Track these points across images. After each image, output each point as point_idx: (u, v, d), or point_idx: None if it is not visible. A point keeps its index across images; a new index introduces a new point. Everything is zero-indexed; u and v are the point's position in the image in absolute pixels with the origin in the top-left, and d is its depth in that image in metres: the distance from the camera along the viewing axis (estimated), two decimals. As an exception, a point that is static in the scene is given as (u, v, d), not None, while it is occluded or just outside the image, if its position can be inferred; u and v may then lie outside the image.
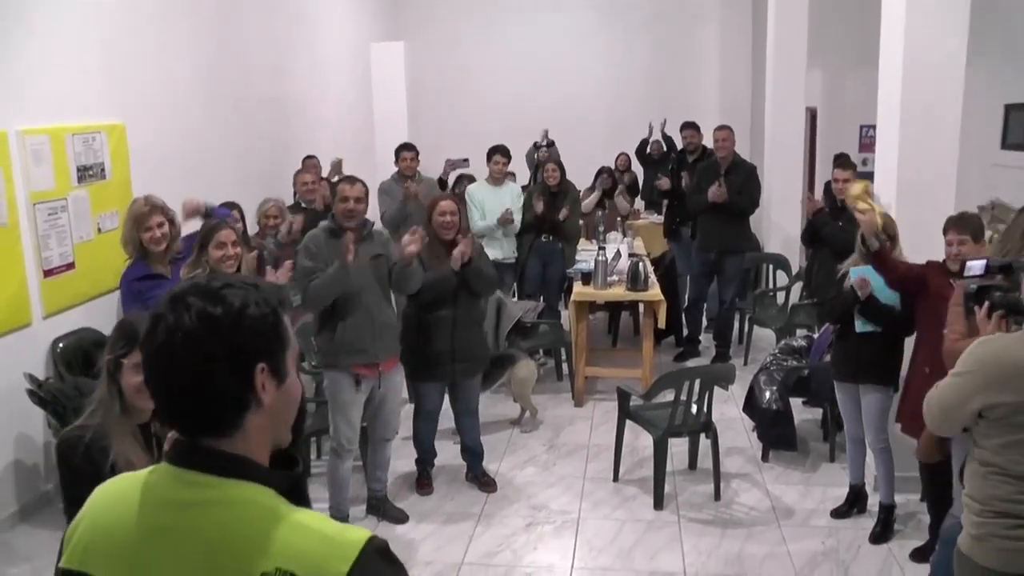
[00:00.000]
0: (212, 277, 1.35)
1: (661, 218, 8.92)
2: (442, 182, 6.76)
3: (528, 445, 5.94)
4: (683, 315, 7.78)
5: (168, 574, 1.27)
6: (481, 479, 5.32)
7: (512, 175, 8.30)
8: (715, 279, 7.60)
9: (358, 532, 1.28)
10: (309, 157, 7.87)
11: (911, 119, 4.81)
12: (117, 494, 1.37)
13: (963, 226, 4.03)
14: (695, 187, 7.48)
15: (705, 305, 7.90)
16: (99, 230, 5.60)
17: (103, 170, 5.67)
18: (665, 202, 8.67)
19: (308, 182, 6.74)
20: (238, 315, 1.28)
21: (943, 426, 2.83)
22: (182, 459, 1.31)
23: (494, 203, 7.23)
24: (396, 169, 7.47)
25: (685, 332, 7.79)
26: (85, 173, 5.48)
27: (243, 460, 1.31)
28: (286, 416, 1.38)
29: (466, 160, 7.09)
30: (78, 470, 2.38)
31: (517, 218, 7.32)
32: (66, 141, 5.30)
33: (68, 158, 5.32)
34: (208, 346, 1.26)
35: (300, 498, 1.35)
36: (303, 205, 6.66)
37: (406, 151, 7.49)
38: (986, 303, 2.90)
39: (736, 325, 7.83)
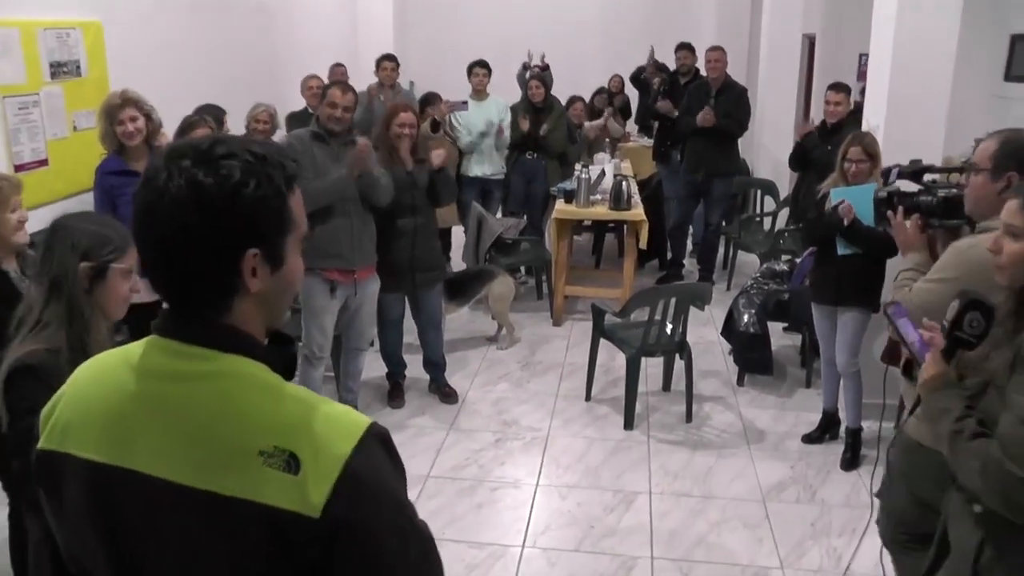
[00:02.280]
0: (217, 141, 1.20)
1: (651, 141, 8.80)
2: (436, 123, 6.68)
3: (503, 362, 5.93)
4: (668, 238, 7.72)
5: (157, 448, 1.18)
6: (443, 390, 5.34)
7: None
8: (701, 202, 7.52)
9: (360, 415, 1.22)
10: (338, 65, 7.75)
11: (905, 42, 4.70)
12: (98, 370, 1.29)
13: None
14: (684, 109, 7.39)
15: (691, 228, 7.84)
16: (74, 128, 5.47)
17: (78, 67, 5.51)
18: (656, 124, 8.54)
19: (315, 87, 6.64)
20: (232, 192, 1.16)
21: None
22: (173, 330, 1.23)
23: (478, 118, 7.13)
24: (376, 79, 7.37)
25: (669, 255, 7.73)
26: (59, 69, 5.33)
27: (239, 333, 1.22)
28: (282, 301, 1.29)
29: (465, 103, 6.97)
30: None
31: (506, 133, 7.23)
32: (37, 35, 5.14)
33: (40, 53, 5.16)
34: (191, 218, 1.15)
35: (291, 379, 1.27)
36: (311, 111, 6.57)
37: (387, 61, 7.46)
38: (900, 208, 2.91)
39: (721, 250, 7.78)
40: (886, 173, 3.34)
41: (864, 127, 5.08)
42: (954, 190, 2.90)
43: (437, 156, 4.89)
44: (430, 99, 7.05)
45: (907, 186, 3.16)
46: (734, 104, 7.17)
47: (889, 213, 2.94)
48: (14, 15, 5.00)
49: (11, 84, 4.97)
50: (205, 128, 4.07)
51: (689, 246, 8.00)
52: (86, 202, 5.49)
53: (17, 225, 2.97)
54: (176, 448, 1.17)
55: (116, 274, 2.25)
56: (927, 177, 3.13)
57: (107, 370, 1.28)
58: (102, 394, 1.25)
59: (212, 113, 5.14)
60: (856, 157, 4.27)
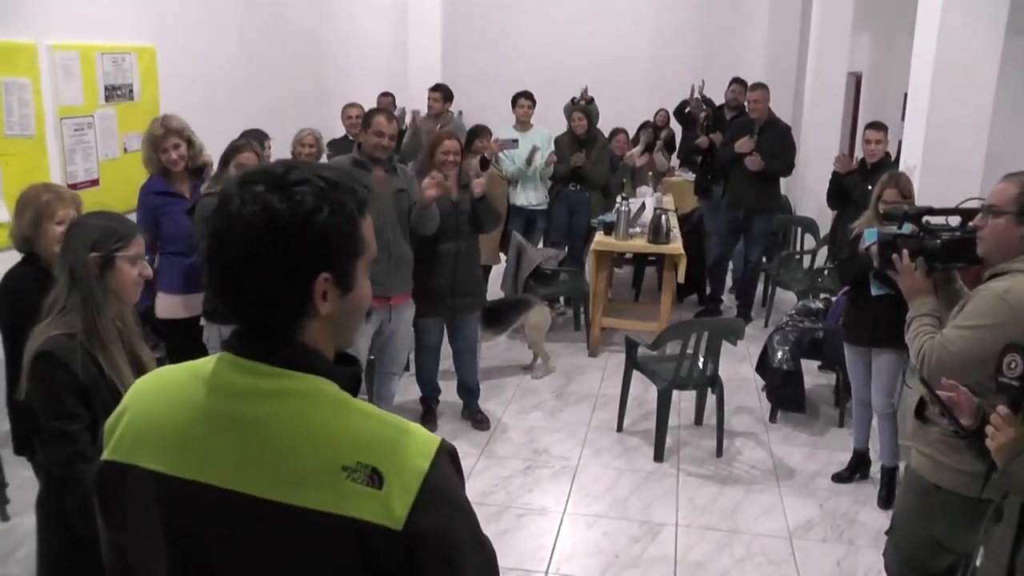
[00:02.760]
0: (291, 167, 1.24)
1: (693, 175, 8.82)
2: (484, 161, 6.76)
3: (537, 391, 5.96)
4: (707, 274, 7.72)
5: (233, 463, 1.21)
6: (476, 416, 5.39)
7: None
8: (742, 238, 7.51)
9: (430, 433, 1.27)
10: (385, 95, 7.93)
11: (943, 81, 4.70)
12: (164, 386, 1.32)
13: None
14: (726, 142, 7.43)
15: (731, 265, 7.83)
16: (125, 149, 5.67)
17: (131, 91, 5.72)
18: (699, 159, 8.57)
19: (353, 116, 6.78)
20: (305, 218, 1.19)
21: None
22: (246, 349, 1.25)
23: (523, 148, 7.20)
24: (427, 110, 7.53)
25: (708, 291, 7.73)
26: (113, 92, 5.54)
27: (310, 352, 1.25)
28: (351, 323, 1.31)
29: (515, 141, 7.02)
30: (72, 381, 2.28)
31: (542, 163, 7.30)
32: (96, 59, 5.35)
33: (97, 76, 5.38)
34: (264, 243, 1.18)
35: (356, 396, 1.31)
36: (350, 139, 6.71)
37: (434, 92, 7.58)
38: (904, 252, 2.87)
39: (760, 287, 7.75)
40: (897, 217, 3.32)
41: (902, 167, 5.07)
42: (957, 233, 2.87)
43: (478, 184, 4.97)
44: (479, 132, 7.10)
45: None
46: (778, 142, 7.16)
47: (895, 257, 2.89)
48: (75, 39, 5.21)
49: (70, 106, 5.17)
50: (250, 152, 4.18)
51: (729, 282, 7.98)
52: (132, 221, 5.67)
53: (59, 237, 3.08)
54: (254, 463, 1.20)
55: (123, 261, 2.41)
56: (926, 219, 3.09)
57: (176, 385, 1.30)
58: (172, 409, 1.27)
59: (255, 137, 5.29)
60: (891, 198, 4.26)
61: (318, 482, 1.17)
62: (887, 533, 3.05)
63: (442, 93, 7.72)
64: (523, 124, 7.55)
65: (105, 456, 1.31)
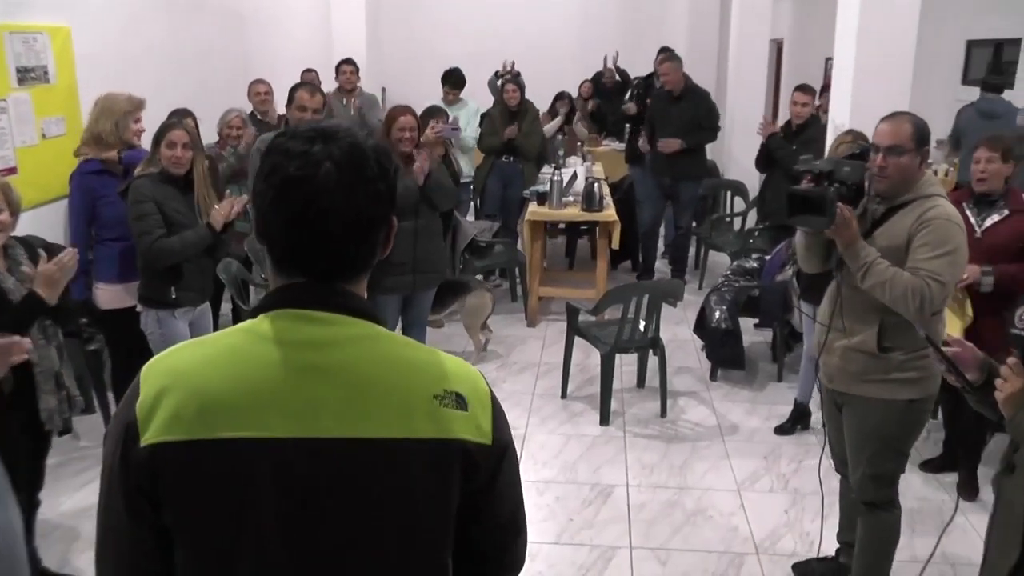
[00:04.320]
0: (342, 125, 1.33)
1: (622, 145, 8.89)
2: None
3: (479, 363, 5.95)
4: (639, 242, 7.78)
5: (336, 412, 1.24)
6: None
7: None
8: (670, 205, 7.60)
9: (471, 365, 1.40)
10: (308, 71, 7.74)
11: (867, 47, 4.86)
12: (212, 356, 1.28)
13: (994, 143, 4.01)
14: (648, 118, 7.59)
15: (662, 231, 7.91)
16: (43, 135, 5.44)
17: (46, 73, 5.48)
18: (628, 127, 8.64)
19: (261, 92, 6.62)
20: (388, 156, 1.32)
21: None
22: (315, 301, 1.28)
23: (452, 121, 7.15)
24: (336, 84, 7.42)
25: (641, 259, 7.80)
26: (27, 75, 5.30)
27: (362, 300, 1.34)
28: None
29: (456, 129, 6.67)
30: None
31: (470, 134, 7.28)
32: (4, 39, 5.11)
33: (7, 57, 5.13)
34: (379, 184, 1.28)
35: None
36: (258, 116, 6.56)
37: (345, 64, 7.50)
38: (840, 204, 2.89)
39: (692, 250, 7.86)
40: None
41: (830, 128, 5.19)
42: (847, 178, 2.96)
43: (418, 171, 4.79)
44: (433, 113, 6.84)
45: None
46: (700, 109, 7.25)
47: (841, 206, 2.88)
48: (-20, 19, 4.97)
49: (-21, 89, 4.94)
50: (180, 130, 4.07)
51: (661, 248, 8.07)
52: (55, 210, 5.50)
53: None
54: (358, 407, 1.25)
55: None
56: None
57: (231, 351, 1.28)
58: (239, 373, 1.25)
59: (182, 116, 5.15)
60: (845, 151, 4.29)
61: (421, 412, 1.26)
62: (843, 470, 3.27)
63: (353, 66, 7.59)
64: (450, 103, 7.50)
65: (157, 439, 1.22)
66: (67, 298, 3.19)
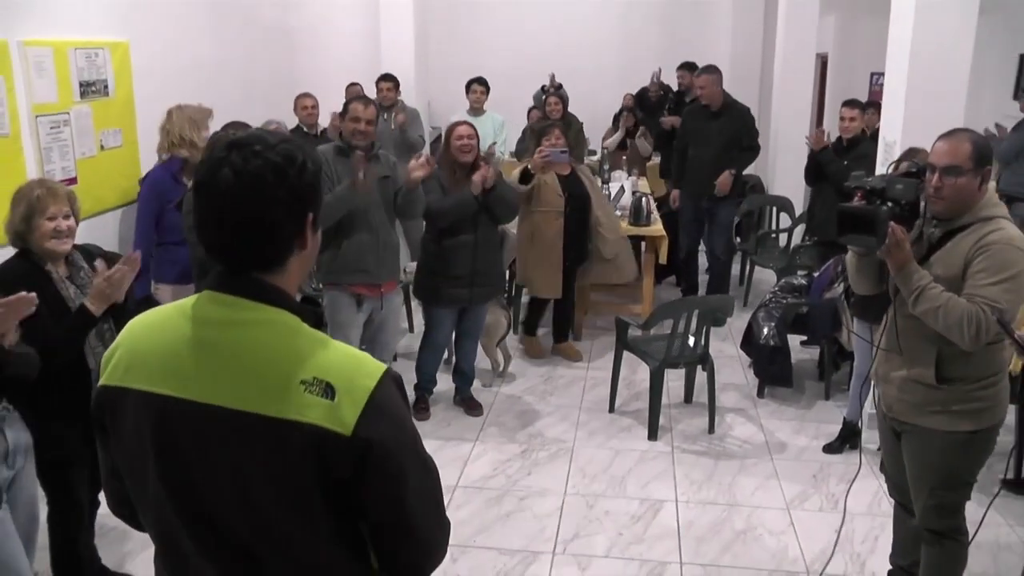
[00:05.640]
0: (266, 132, 1.47)
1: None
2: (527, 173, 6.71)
3: (526, 376, 5.98)
4: (681, 266, 7.68)
5: (212, 381, 1.41)
6: (468, 402, 5.40)
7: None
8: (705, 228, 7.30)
9: (377, 361, 1.47)
10: (353, 84, 7.84)
11: (920, 64, 4.80)
12: (152, 322, 1.52)
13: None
14: (681, 132, 7.27)
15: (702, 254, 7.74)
16: (101, 147, 5.57)
17: (106, 87, 5.62)
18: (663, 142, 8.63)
19: (308, 106, 6.71)
20: (301, 167, 1.42)
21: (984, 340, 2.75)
22: (226, 286, 1.45)
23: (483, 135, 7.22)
24: (377, 100, 7.50)
25: (684, 282, 7.70)
26: (88, 89, 5.44)
27: (281, 291, 1.46)
28: (309, 264, 1.54)
29: (564, 152, 6.44)
30: None
31: (501, 149, 7.35)
32: (69, 55, 5.24)
33: (71, 72, 5.26)
34: (277, 191, 1.39)
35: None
36: (304, 130, 6.65)
37: (384, 81, 7.56)
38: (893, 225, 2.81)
39: (737, 267, 7.81)
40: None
41: (880, 144, 5.16)
42: (902, 199, 2.87)
43: (477, 178, 4.85)
44: (545, 131, 6.08)
45: None
46: (740, 125, 6.91)
47: (893, 226, 2.79)
48: (47, 35, 5.11)
49: (44, 103, 5.07)
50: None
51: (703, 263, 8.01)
52: (111, 220, 5.62)
53: (53, 233, 3.06)
54: (229, 380, 1.40)
55: None
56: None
57: (163, 320, 1.51)
58: (160, 339, 1.48)
59: (239, 128, 5.23)
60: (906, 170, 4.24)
61: (281, 394, 1.37)
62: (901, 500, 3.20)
63: (392, 83, 7.67)
64: (476, 110, 7.80)
65: (102, 382, 1.51)
66: (126, 303, 3.25)
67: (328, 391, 1.37)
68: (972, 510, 3.13)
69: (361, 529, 1.48)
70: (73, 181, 5.30)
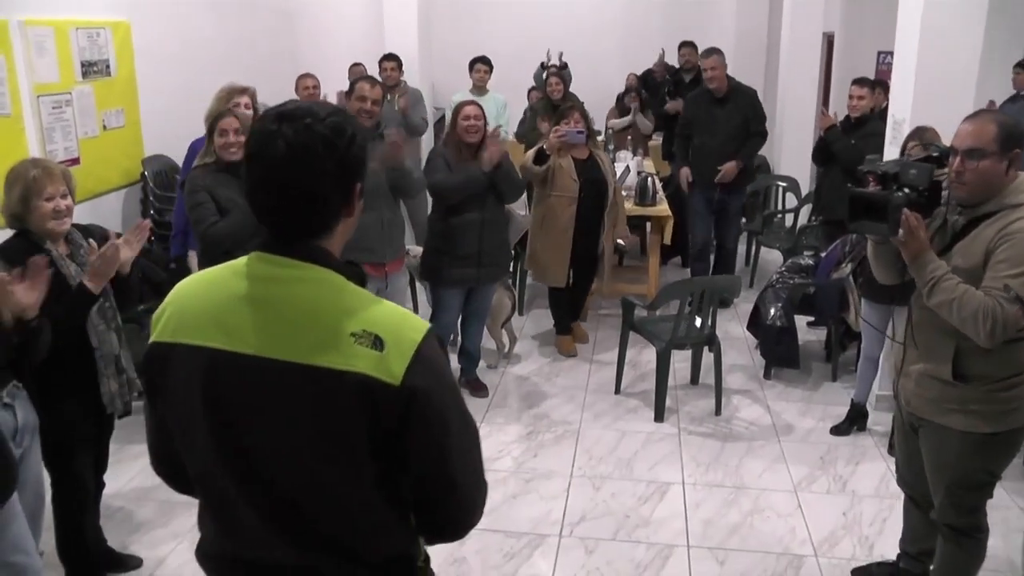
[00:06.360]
0: (317, 105, 1.51)
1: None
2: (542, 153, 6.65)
3: (531, 356, 5.96)
4: (691, 263, 7.55)
5: (265, 335, 1.46)
6: (473, 384, 5.39)
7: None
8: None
9: (419, 319, 1.53)
10: (356, 65, 7.78)
11: (930, 41, 4.72)
12: (200, 282, 1.58)
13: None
14: (684, 120, 6.96)
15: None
16: (104, 127, 5.55)
17: (108, 67, 5.59)
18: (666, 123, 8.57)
19: (310, 86, 6.67)
20: (350, 139, 1.48)
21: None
22: (275, 248, 1.51)
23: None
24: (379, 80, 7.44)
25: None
26: (90, 69, 5.41)
27: (327, 252, 1.52)
28: (353, 229, 1.58)
29: (581, 132, 6.20)
30: None
31: (504, 130, 7.30)
32: (70, 35, 5.21)
33: (72, 52, 5.24)
34: (326, 163, 1.45)
35: None
36: None
37: (387, 61, 7.50)
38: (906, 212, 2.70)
39: (743, 247, 7.75)
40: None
41: (889, 123, 5.10)
42: (920, 183, 2.76)
43: (487, 156, 4.82)
44: (564, 114, 5.93)
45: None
46: (751, 113, 6.62)
47: (907, 213, 2.68)
48: (48, 14, 5.07)
49: (46, 83, 5.04)
50: (231, 117, 4.13)
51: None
52: (114, 199, 5.60)
53: (49, 214, 3.02)
54: (279, 333, 1.45)
55: None
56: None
57: (212, 279, 1.57)
58: (210, 296, 1.53)
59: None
60: (917, 154, 4.18)
61: (331, 345, 1.42)
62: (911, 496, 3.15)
63: (395, 62, 7.59)
64: (479, 89, 7.73)
65: (152, 339, 1.57)
66: (129, 277, 3.23)
67: (377, 343, 1.42)
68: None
69: (403, 486, 1.52)
70: (76, 161, 5.29)
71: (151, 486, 4.26)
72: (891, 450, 4.42)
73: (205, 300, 1.53)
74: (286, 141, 1.43)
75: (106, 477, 3.64)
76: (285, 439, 1.46)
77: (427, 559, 1.69)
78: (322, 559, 1.53)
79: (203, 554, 1.65)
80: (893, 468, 4.16)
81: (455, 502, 1.55)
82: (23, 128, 4.86)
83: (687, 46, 8.17)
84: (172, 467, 1.66)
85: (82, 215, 5.24)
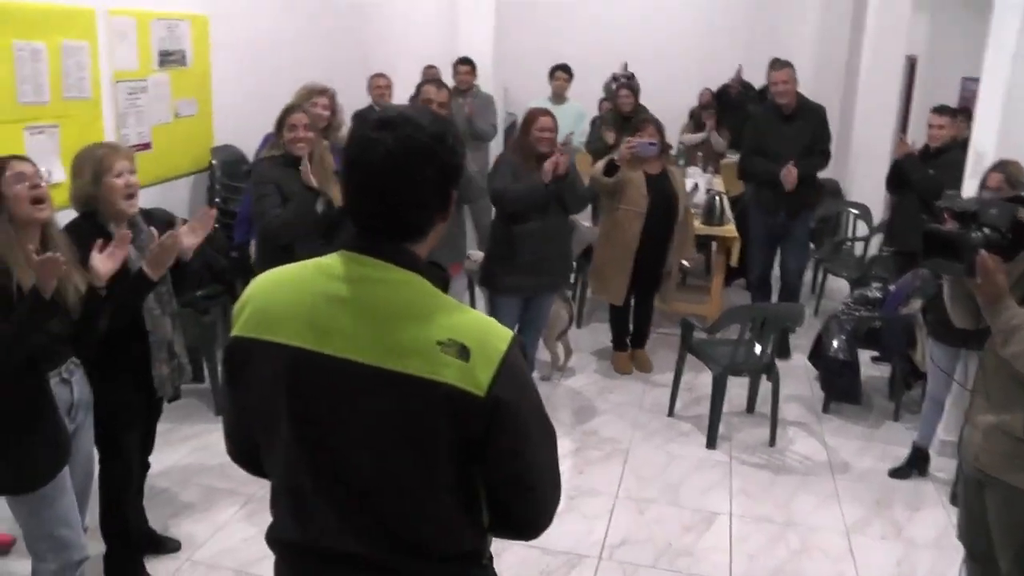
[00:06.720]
0: (417, 111, 1.53)
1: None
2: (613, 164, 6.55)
3: (586, 371, 5.89)
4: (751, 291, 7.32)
5: (350, 337, 1.46)
6: None
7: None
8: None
9: (504, 326, 1.52)
10: (430, 67, 7.76)
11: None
12: (284, 277, 1.59)
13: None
14: (751, 137, 6.30)
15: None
16: (176, 115, 5.63)
17: (184, 57, 5.67)
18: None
19: (382, 85, 6.68)
20: (450, 148, 1.50)
21: None
22: (363, 247, 1.51)
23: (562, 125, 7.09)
24: (453, 83, 7.41)
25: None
26: (167, 58, 5.49)
27: (415, 255, 1.53)
28: (444, 232, 1.59)
29: (653, 144, 5.99)
30: None
31: (579, 140, 7.20)
32: (150, 25, 5.31)
33: (151, 42, 5.34)
34: (426, 171, 1.47)
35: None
36: (376, 108, 6.61)
37: (462, 64, 7.43)
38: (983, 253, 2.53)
39: (809, 274, 7.54)
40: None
41: (970, 154, 4.92)
42: (1002, 225, 2.57)
43: (549, 166, 4.71)
44: (638, 126, 5.74)
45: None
46: (814, 129, 6.04)
47: (984, 255, 2.51)
48: (131, 5, 5.17)
49: (124, 70, 5.15)
50: (300, 113, 4.15)
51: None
52: (182, 186, 5.69)
53: (122, 189, 3.05)
54: (365, 336, 1.46)
55: (9, 180, 2.65)
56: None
57: (296, 276, 1.57)
58: (294, 293, 1.54)
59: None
60: (995, 184, 3.97)
61: (418, 353, 1.42)
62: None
63: (470, 66, 7.54)
64: (558, 97, 7.64)
65: (234, 333, 1.58)
66: (188, 265, 3.25)
67: (463, 352, 1.42)
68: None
69: (477, 485, 1.53)
70: (147, 146, 5.39)
71: (197, 470, 4.32)
72: (954, 500, 4.25)
73: (291, 297, 1.54)
74: (387, 149, 1.45)
75: (154, 459, 3.69)
76: (367, 441, 1.48)
77: (491, 558, 1.70)
78: (392, 554, 1.54)
79: (274, 539, 1.67)
80: (955, 520, 4.01)
81: (531, 503, 1.57)
82: (100, 112, 4.96)
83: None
84: (248, 453, 1.68)
85: (151, 199, 5.34)
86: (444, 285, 1.54)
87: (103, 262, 2.77)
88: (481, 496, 1.56)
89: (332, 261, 1.54)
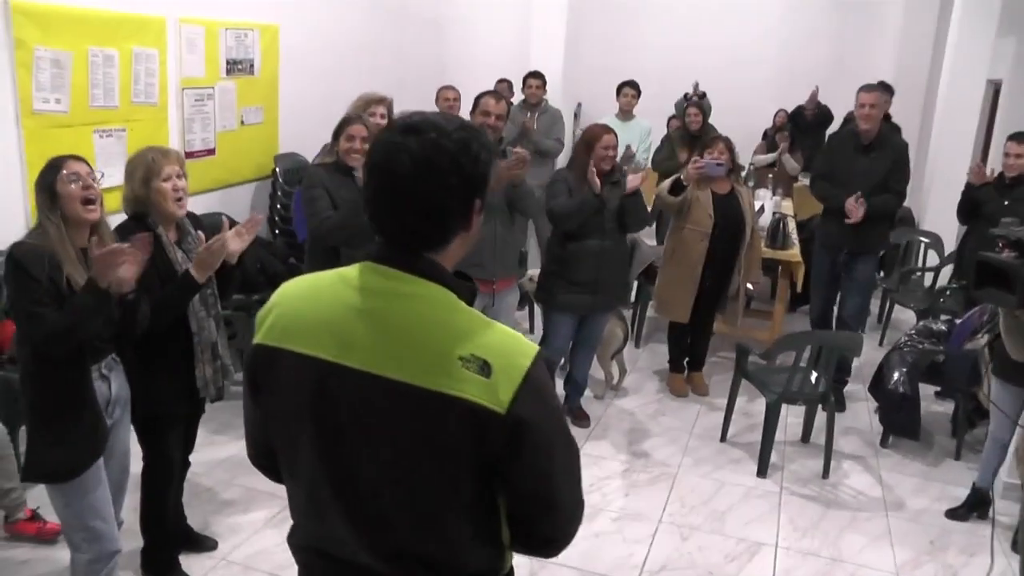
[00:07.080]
0: (443, 118, 1.50)
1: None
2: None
3: (640, 392, 5.81)
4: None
5: (373, 350, 1.45)
6: (576, 412, 5.28)
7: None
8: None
9: (529, 341, 1.50)
10: (501, 81, 7.79)
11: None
12: (309, 286, 1.58)
13: None
14: (822, 161, 5.87)
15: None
16: (242, 122, 5.74)
17: (252, 66, 5.78)
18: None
19: (450, 98, 6.70)
20: (475, 156, 1.47)
21: None
22: (388, 259, 1.50)
23: (620, 140, 7.02)
24: (523, 96, 7.41)
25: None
26: (234, 67, 5.61)
27: (441, 267, 1.50)
28: (470, 244, 1.57)
29: (720, 164, 5.38)
30: (38, 281, 2.63)
31: (642, 156, 7.14)
32: (219, 34, 5.42)
33: (219, 50, 5.45)
34: (450, 178, 1.45)
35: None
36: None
37: (532, 78, 7.42)
38: None
39: (876, 302, 7.33)
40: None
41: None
42: None
43: (633, 180, 4.76)
44: (707, 144, 5.62)
45: None
46: (893, 164, 5.48)
47: None
48: (202, 14, 5.29)
49: (192, 77, 5.26)
50: (360, 124, 4.18)
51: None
52: (244, 192, 5.78)
53: (171, 193, 3.10)
54: (389, 351, 1.44)
55: (62, 180, 2.72)
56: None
57: (322, 286, 1.56)
58: (319, 304, 1.53)
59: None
60: None
61: (438, 368, 1.41)
62: None
63: (540, 80, 7.52)
64: (625, 114, 7.60)
65: (258, 340, 1.57)
66: (235, 270, 3.29)
67: (485, 368, 1.41)
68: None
69: (498, 501, 1.52)
70: (211, 152, 5.50)
71: (239, 471, 4.36)
72: (1015, 547, 4.06)
73: (315, 307, 1.53)
74: (410, 154, 1.43)
75: (199, 457, 3.74)
76: (388, 455, 1.47)
77: (511, 572, 1.68)
78: (409, 570, 1.54)
79: (295, 544, 1.68)
80: (1017, 568, 3.85)
81: (553, 520, 1.55)
82: (166, 117, 5.08)
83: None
84: (269, 459, 1.68)
85: (213, 204, 5.46)
86: (471, 297, 1.53)
87: (125, 268, 2.79)
88: (501, 512, 1.55)
89: (356, 272, 1.53)
